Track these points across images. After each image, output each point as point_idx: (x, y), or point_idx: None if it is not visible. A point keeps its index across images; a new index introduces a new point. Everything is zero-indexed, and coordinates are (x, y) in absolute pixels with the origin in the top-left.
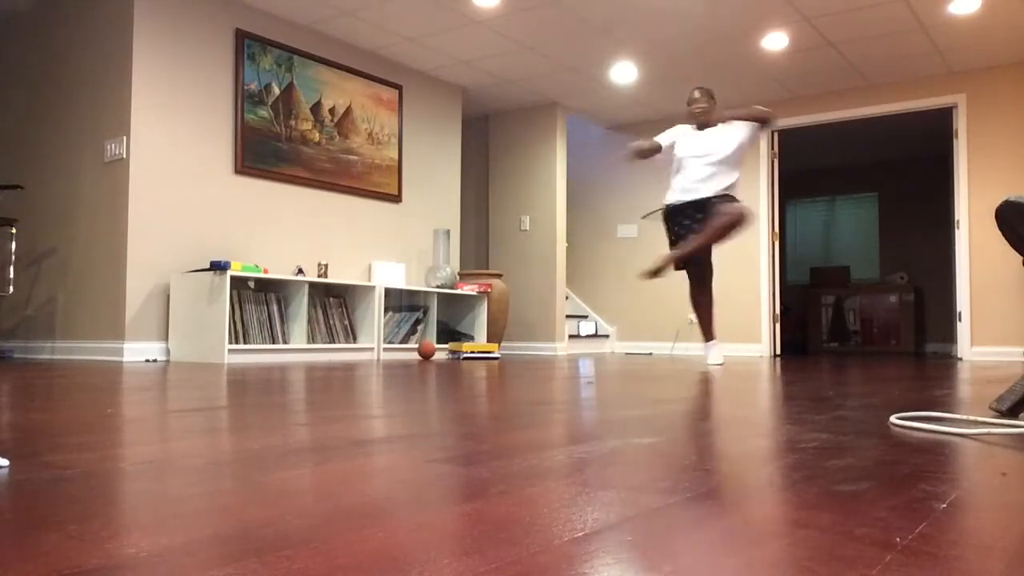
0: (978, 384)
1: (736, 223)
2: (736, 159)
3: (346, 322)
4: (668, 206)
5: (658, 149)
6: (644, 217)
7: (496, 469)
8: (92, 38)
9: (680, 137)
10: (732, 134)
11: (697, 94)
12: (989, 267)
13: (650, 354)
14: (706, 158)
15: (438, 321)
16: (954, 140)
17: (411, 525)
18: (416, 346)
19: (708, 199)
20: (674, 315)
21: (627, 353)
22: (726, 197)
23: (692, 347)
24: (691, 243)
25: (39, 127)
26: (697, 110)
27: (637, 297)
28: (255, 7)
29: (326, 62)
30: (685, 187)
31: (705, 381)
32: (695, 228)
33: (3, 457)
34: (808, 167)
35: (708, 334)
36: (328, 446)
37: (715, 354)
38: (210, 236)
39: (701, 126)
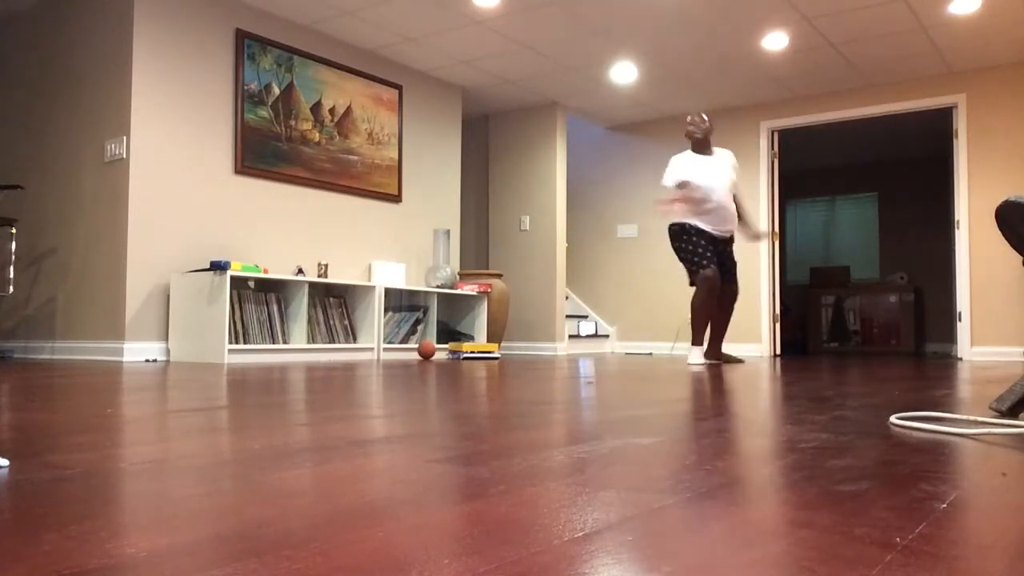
0: (978, 384)
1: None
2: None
3: (346, 322)
4: (700, 229)
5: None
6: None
7: (496, 469)
8: (92, 38)
9: (688, 167)
10: (727, 167)
11: (699, 119)
12: (989, 267)
13: (650, 354)
14: (724, 190)
15: (438, 321)
16: (954, 140)
17: (411, 525)
18: (416, 346)
19: (728, 242)
20: (674, 315)
21: (627, 353)
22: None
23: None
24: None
25: (39, 127)
26: (705, 129)
27: (637, 297)
28: (255, 7)
29: (326, 62)
30: (720, 219)
31: (705, 381)
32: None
33: (3, 457)
34: (808, 167)
35: (718, 340)
36: (328, 446)
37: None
38: (210, 236)
39: (701, 150)
